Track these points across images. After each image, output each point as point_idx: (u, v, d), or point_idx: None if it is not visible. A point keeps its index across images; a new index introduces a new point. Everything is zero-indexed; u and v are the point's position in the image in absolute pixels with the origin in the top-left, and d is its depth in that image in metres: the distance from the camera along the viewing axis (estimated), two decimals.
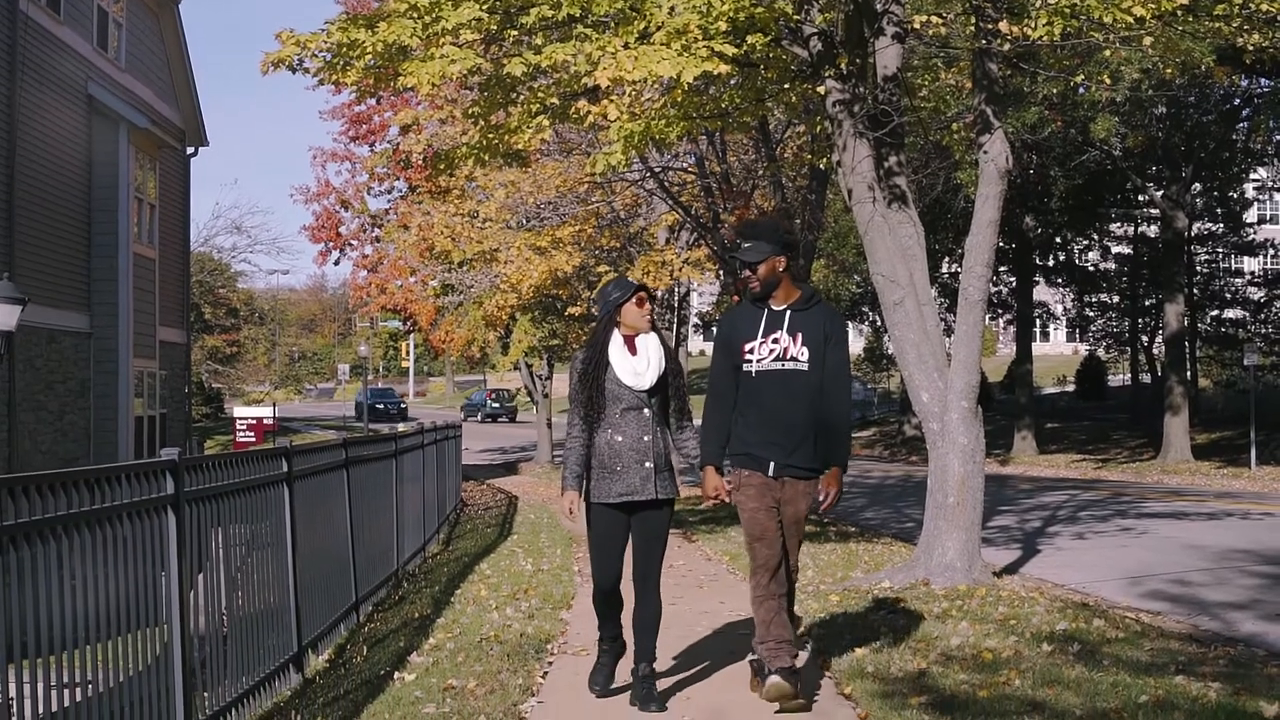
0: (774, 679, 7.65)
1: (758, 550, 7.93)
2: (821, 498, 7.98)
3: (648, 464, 8.06)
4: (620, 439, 8.06)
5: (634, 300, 8.20)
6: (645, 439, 8.09)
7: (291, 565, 9.73)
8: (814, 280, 33.92)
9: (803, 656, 8.50)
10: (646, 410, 8.13)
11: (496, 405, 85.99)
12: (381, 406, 78.29)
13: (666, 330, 31.37)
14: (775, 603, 7.86)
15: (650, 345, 8.23)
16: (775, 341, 7.92)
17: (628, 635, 8.34)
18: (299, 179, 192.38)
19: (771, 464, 7.91)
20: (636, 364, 8.13)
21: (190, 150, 32.92)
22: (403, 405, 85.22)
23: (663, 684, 8.40)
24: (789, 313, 7.97)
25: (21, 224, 23.11)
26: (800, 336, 7.91)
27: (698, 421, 8.15)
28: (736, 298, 9.35)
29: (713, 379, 8.19)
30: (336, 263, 63.08)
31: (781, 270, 7.98)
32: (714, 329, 8.50)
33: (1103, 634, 9.96)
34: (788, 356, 7.90)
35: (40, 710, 5.75)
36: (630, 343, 8.20)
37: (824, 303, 8.21)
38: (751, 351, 7.95)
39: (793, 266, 8.11)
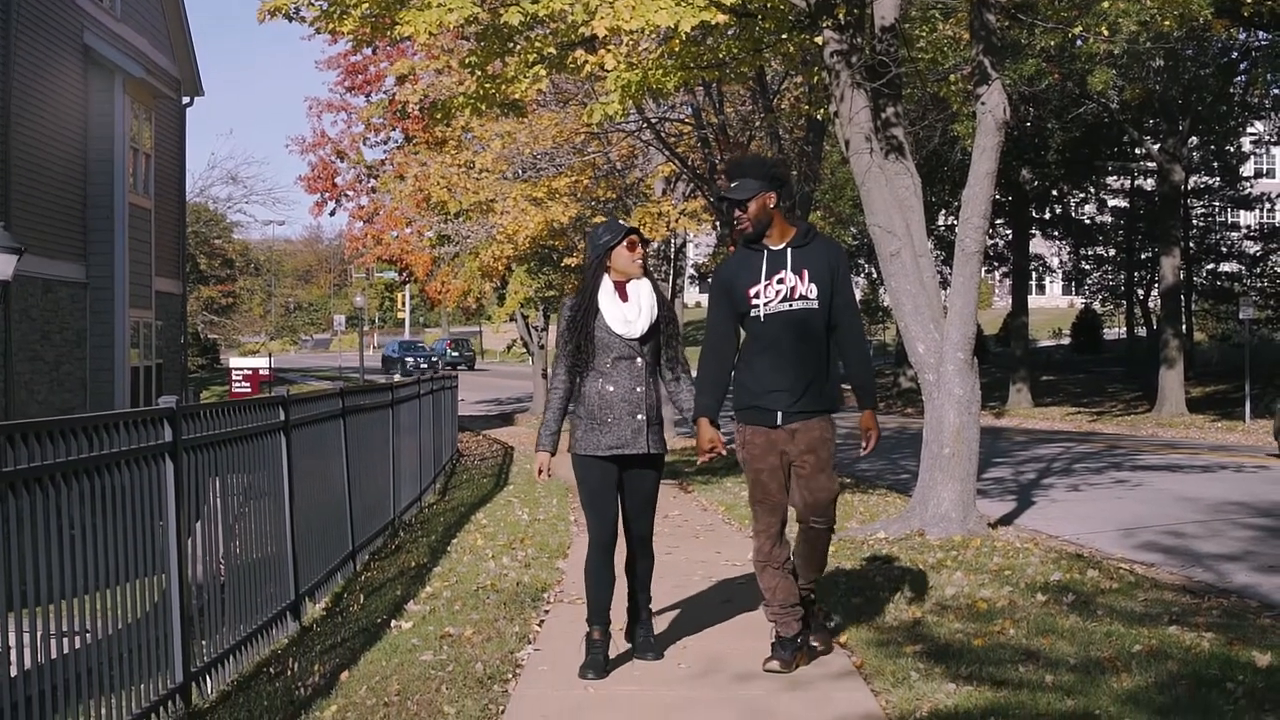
0: (771, 663, 7.48)
1: (759, 514, 7.58)
2: (864, 445, 7.67)
3: (639, 416, 7.71)
4: (612, 389, 7.69)
5: (625, 244, 7.80)
6: (638, 390, 7.72)
7: (289, 514, 9.75)
8: None
9: (824, 635, 8.07)
10: (639, 360, 7.75)
11: (455, 353, 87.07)
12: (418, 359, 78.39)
13: (663, 282, 31.34)
14: (778, 570, 7.52)
15: (642, 291, 7.81)
16: (781, 282, 7.47)
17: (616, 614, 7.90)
18: (295, 129, 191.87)
19: (779, 413, 7.46)
20: (627, 311, 7.73)
21: (186, 100, 32.81)
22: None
23: (659, 631, 8.42)
24: (790, 250, 7.53)
25: (18, 174, 23.04)
26: (806, 274, 7.47)
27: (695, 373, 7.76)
28: (733, 248, 8.62)
29: (710, 329, 7.73)
30: (332, 213, 62.90)
31: (773, 207, 7.53)
32: (710, 281, 8.30)
33: (1097, 584, 10.00)
34: (796, 296, 7.44)
35: (40, 658, 5.78)
36: (621, 289, 7.79)
37: (823, 236, 7.85)
38: (757, 296, 7.48)
39: (785, 202, 7.70)
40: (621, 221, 7.98)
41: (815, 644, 7.85)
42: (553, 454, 7.82)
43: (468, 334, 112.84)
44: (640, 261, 7.84)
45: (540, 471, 7.80)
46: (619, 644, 8.06)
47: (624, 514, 7.88)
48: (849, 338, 7.62)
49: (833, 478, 7.63)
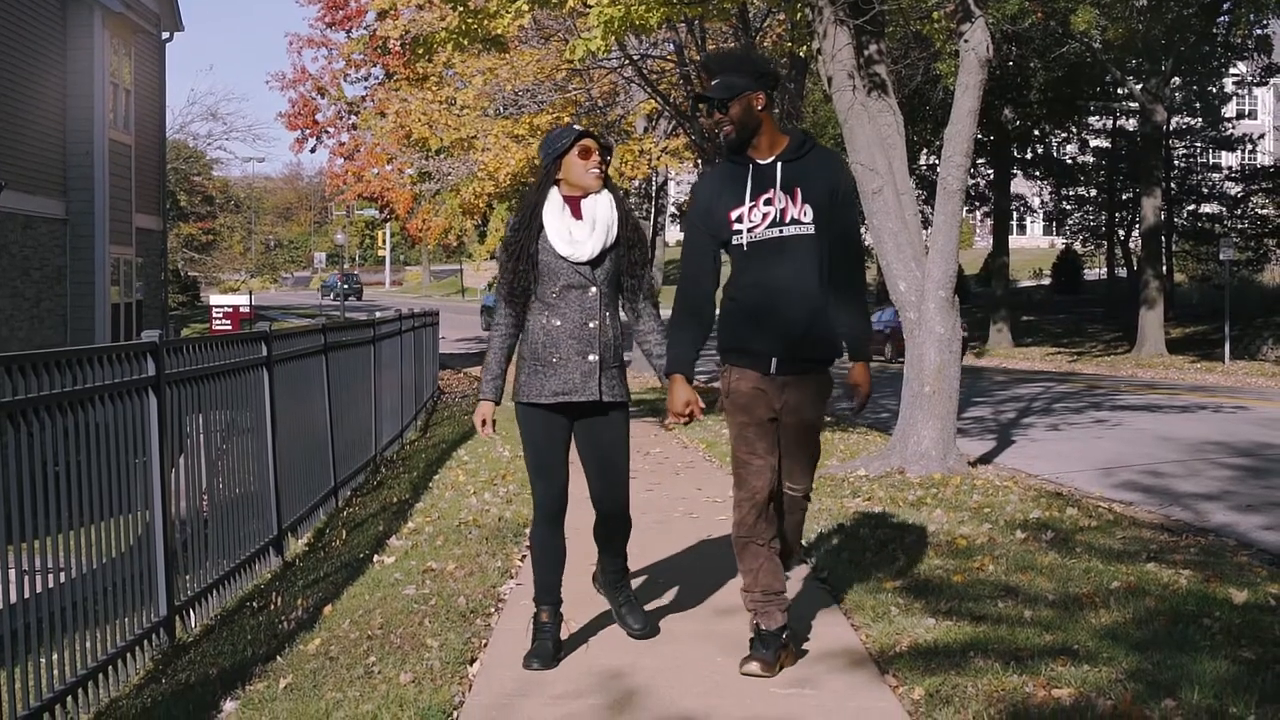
0: (750, 664, 6.29)
1: (743, 477, 6.35)
2: (854, 400, 6.58)
3: (591, 356, 6.47)
4: (558, 323, 6.48)
5: (576, 150, 6.52)
6: (590, 325, 6.48)
7: (271, 450, 9.78)
8: None
9: (800, 570, 7.62)
10: (593, 289, 6.50)
11: (346, 286, 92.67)
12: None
13: (644, 221, 31.30)
14: (762, 548, 6.34)
15: (599, 207, 6.55)
16: (768, 203, 6.23)
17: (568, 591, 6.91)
18: (275, 65, 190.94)
19: (774, 360, 6.26)
20: (576, 229, 6.49)
21: (165, 35, 32.55)
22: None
23: (639, 578, 8.44)
24: (779, 165, 6.27)
25: None
26: (800, 192, 6.22)
27: (666, 313, 6.54)
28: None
29: (686, 260, 6.42)
30: (313, 150, 62.70)
31: (760, 109, 6.27)
32: (687, 203, 7.08)
33: (1075, 522, 10.06)
34: (787, 219, 6.21)
35: (26, 594, 5.80)
36: (574, 204, 6.54)
37: (822, 148, 6.51)
38: (740, 219, 6.24)
39: (774, 104, 6.55)
40: (579, 127, 6.66)
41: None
42: (497, 403, 6.67)
43: (450, 271, 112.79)
44: (598, 172, 6.55)
45: (483, 424, 6.64)
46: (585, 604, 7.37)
47: (588, 475, 6.73)
48: (845, 276, 6.36)
49: (818, 442, 6.61)
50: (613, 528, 6.81)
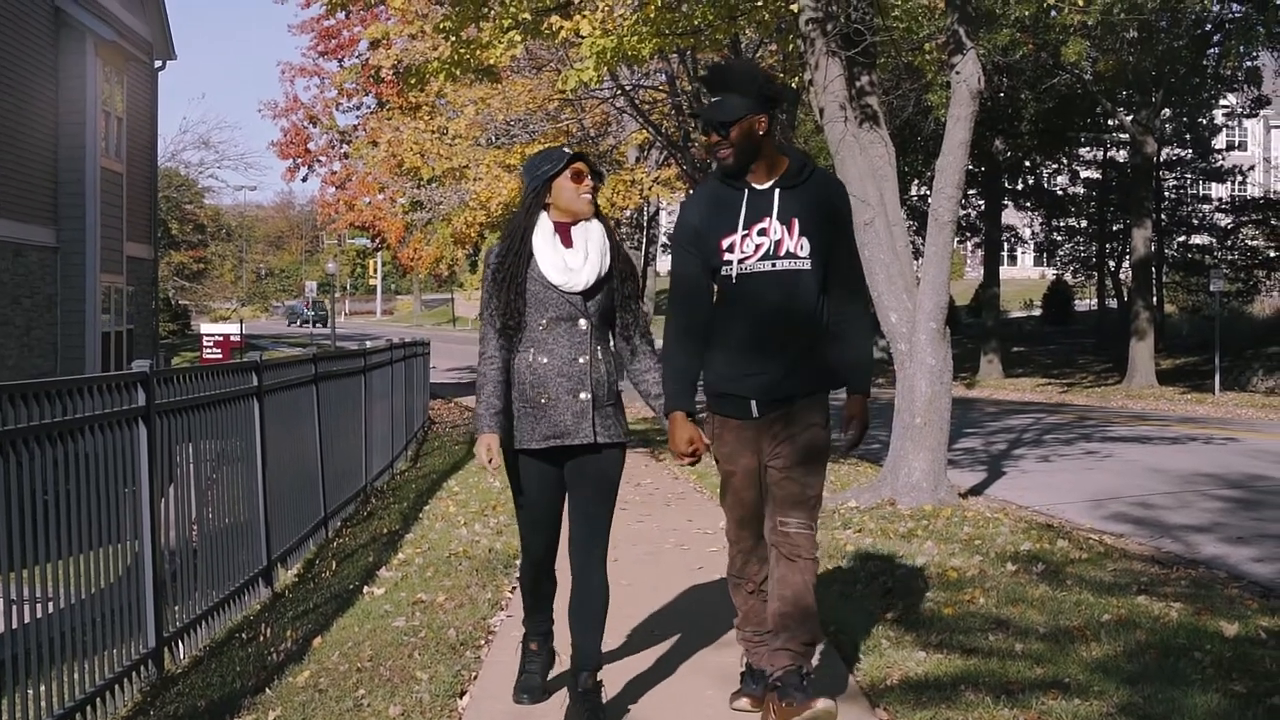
0: (739, 700, 6.13)
1: (731, 525, 6.09)
2: (845, 433, 6.07)
3: (583, 395, 5.97)
4: (545, 360, 5.97)
5: (568, 174, 6.08)
6: (580, 360, 5.99)
7: (261, 480, 9.76)
8: None
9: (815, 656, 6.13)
10: (583, 321, 6.03)
11: (312, 313, 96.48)
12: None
13: (634, 251, 31.31)
14: (751, 591, 6.07)
15: (591, 235, 6.10)
16: (762, 233, 5.79)
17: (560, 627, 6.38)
18: (267, 94, 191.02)
19: (753, 403, 5.86)
20: (569, 257, 6.02)
21: (158, 63, 32.59)
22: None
23: (630, 608, 8.43)
24: (777, 191, 5.84)
25: None
26: (797, 223, 5.78)
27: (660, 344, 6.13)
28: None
29: (676, 289, 6.00)
30: (305, 179, 62.87)
31: (762, 133, 5.83)
32: (674, 227, 6.23)
33: (1066, 554, 10.06)
34: (781, 252, 5.78)
35: (13, 624, 5.77)
36: (565, 231, 6.08)
37: (822, 172, 6.07)
38: (731, 249, 5.82)
39: (777, 127, 5.97)
40: (567, 149, 6.20)
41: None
42: (500, 436, 6.01)
43: (442, 300, 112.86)
44: (590, 197, 6.11)
45: (489, 458, 5.97)
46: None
47: (570, 515, 6.14)
48: (846, 304, 5.93)
49: (816, 472, 5.97)
50: (589, 567, 6.07)
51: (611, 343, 6.21)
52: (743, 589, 6.08)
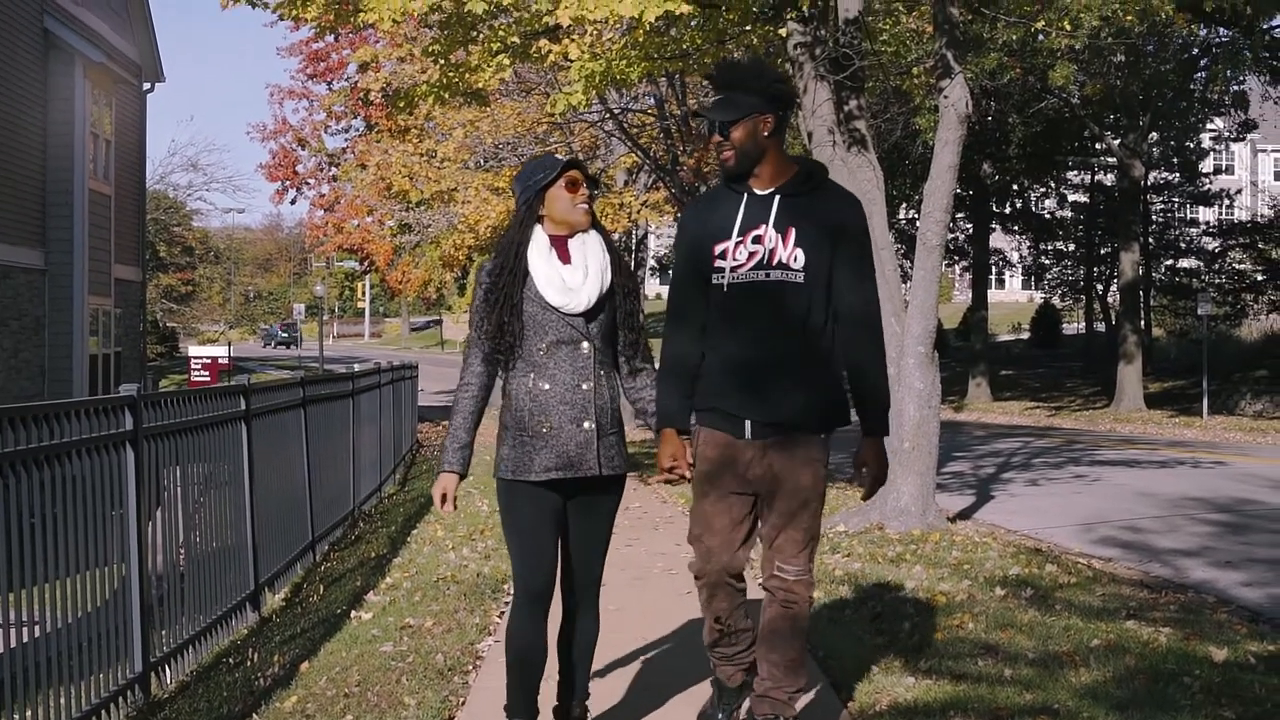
0: None
1: (698, 553, 5.63)
2: (861, 482, 5.69)
3: (587, 424, 5.53)
4: (547, 386, 5.52)
5: (562, 182, 5.62)
6: (583, 387, 5.54)
7: (249, 503, 9.73)
8: None
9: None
10: (586, 345, 5.58)
11: (284, 334, 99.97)
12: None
13: None
14: (716, 623, 5.67)
15: (590, 248, 5.64)
16: (757, 240, 5.40)
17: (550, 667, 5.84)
18: (256, 116, 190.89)
19: (748, 423, 5.44)
20: (568, 274, 5.56)
21: (147, 86, 32.64)
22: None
23: (618, 634, 8.40)
24: (778, 199, 5.45)
25: None
26: (793, 233, 5.38)
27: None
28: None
29: (674, 296, 5.65)
30: (293, 201, 62.80)
31: (768, 135, 5.48)
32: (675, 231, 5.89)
33: (1055, 579, 10.05)
34: (773, 262, 5.38)
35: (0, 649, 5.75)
36: (561, 245, 5.62)
37: (832, 184, 5.64)
38: (724, 255, 5.43)
39: (783, 130, 5.64)
40: (560, 157, 5.70)
41: None
42: (462, 476, 5.62)
43: (430, 323, 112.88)
44: (586, 207, 5.65)
45: (443, 499, 5.60)
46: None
47: (566, 550, 5.74)
48: (856, 329, 5.49)
49: (816, 515, 5.56)
50: (582, 608, 5.79)
51: (614, 365, 5.78)
52: (714, 627, 5.67)
